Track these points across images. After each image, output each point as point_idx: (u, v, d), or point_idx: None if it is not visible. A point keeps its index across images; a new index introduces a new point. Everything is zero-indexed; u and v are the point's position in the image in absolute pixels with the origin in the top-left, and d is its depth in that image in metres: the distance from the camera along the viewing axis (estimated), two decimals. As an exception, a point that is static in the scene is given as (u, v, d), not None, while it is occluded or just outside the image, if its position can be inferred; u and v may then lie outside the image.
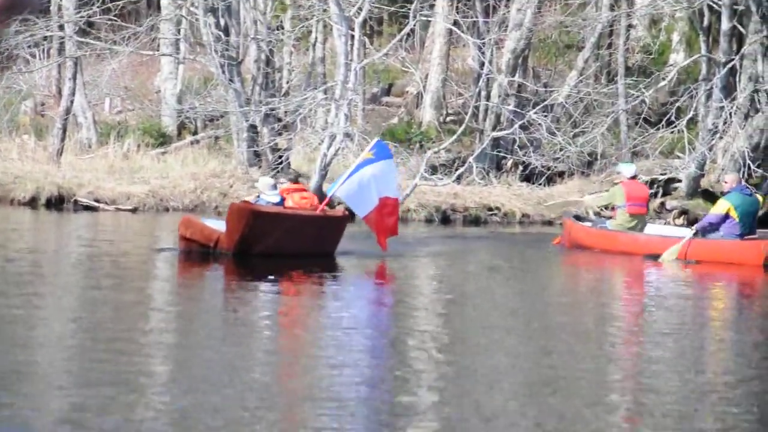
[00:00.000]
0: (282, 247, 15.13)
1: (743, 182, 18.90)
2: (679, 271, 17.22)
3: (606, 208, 20.18)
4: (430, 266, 17.38)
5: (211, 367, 8.29)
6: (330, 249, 16.04)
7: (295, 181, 16.75)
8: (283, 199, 15.78)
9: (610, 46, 33.47)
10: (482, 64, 28.16)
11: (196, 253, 15.04)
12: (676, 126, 27.55)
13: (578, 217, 20.96)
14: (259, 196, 15.78)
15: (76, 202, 24.93)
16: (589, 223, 19.75)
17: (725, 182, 18.76)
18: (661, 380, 8.53)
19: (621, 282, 16.88)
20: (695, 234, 17.96)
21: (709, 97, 27.76)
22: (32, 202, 24.83)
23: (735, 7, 27.74)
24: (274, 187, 15.88)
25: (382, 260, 17.09)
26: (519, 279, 16.30)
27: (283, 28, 30.84)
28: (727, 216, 17.87)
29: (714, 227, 18.09)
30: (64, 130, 28.14)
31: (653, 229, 19.11)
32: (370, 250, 18.17)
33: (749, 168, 26.84)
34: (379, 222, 16.05)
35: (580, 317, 12.24)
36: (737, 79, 28.01)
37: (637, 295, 15.11)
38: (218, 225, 15.29)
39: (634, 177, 19.56)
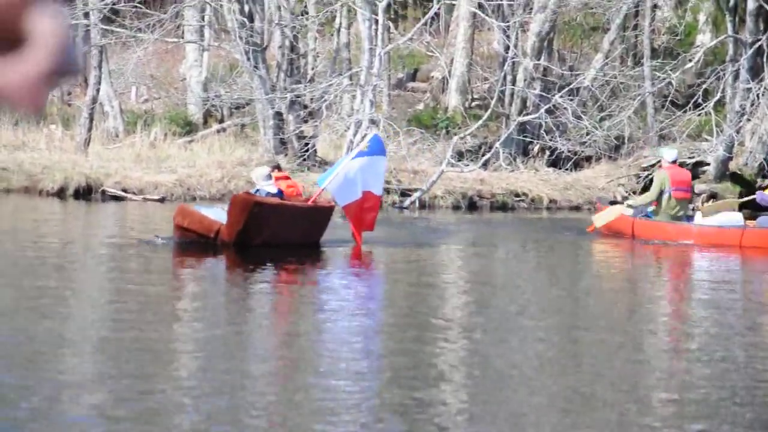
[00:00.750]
0: (279, 237, 15.29)
1: None
2: (732, 259, 16.84)
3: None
4: (458, 253, 17.36)
5: (231, 352, 8.32)
6: (317, 239, 16.15)
7: (278, 168, 16.69)
8: (281, 191, 15.81)
9: (635, 27, 33.29)
10: (507, 48, 28.07)
11: (195, 243, 14.92)
12: (703, 108, 27.41)
13: (615, 203, 20.49)
14: (258, 189, 15.72)
15: (104, 192, 25.02)
16: (629, 211, 19.21)
17: None
18: (692, 372, 8.51)
19: (660, 269, 16.55)
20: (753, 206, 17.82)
21: (736, 78, 27.60)
22: (60, 193, 24.93)
23: (762, -14, 27.58)
24: (269, 177, 15.84)
25: (410, 248, 17.10)
26: (550, 266, 16.24)
27: (307, 14, 30.82)
28: None
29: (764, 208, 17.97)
30: (91, 120, 28.22)
31: (706, 218, 18.67)
32: (394, 239, 18.19)
33: (777, 150, 26.72)
34: (357, 215, 16.08)
35: (617, 305, 12.18)
36: (764, 60, 27.83)
37: (677, 283, 14.79)
38: (213, 213, 15.29)
39: (674, 161, 19.15)
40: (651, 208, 18.83)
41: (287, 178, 16.69)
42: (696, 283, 14.71)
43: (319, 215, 16.23)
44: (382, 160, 16.54)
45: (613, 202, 20.63)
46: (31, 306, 10.77)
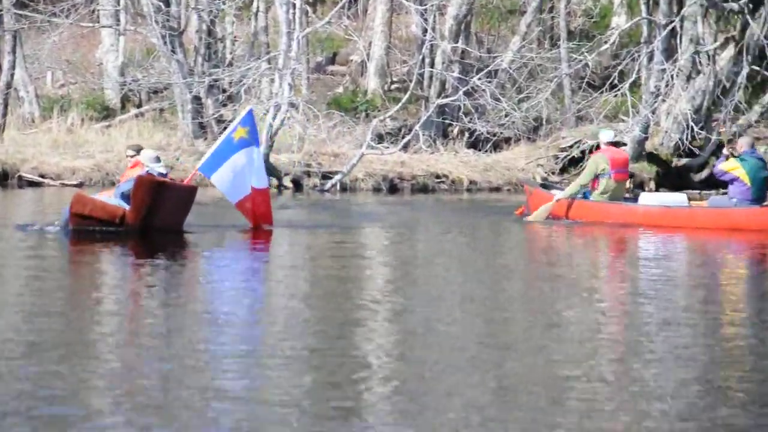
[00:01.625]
0: (169, 219, 15.16)
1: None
2: (681, 239, 16.38)
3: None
4: (379, 235, 17.41)
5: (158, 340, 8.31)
6: (184, 221, 15.98)
7: (140, 153, 15.90)
8: (166, 173, 15.56)
9: (551, 10, 33.58)
10: (425, 31, 28.18)
11: (90, 230, 14.52)
12: (619, 89, 27.73)
13: (545, 186, 20.08)
14: (148, 170, 15.28)
15: (20, 177, 24.77)
16: (560, 192, 18.81)
17: (738, 145, 18.00)
18: (616, 351, 8.64)
19: (594, 250, 16.04)
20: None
21: (650, 59, 27.96)
22: (-25, 179, 24.66)
23: (674, -32, 27.95)
24: (158, 159, 15.59)
25: (330, 231, 17.13)
26: (476, 249, 16.31)
27: (224, -3, 30.64)
28: (736, 178, 17.33)
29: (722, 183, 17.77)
30: (6, 105, 27.90)
31: (649, 197, 18.40)
32: (314, 221, 18.19)
33: (692, 130, 27.10)
34: (254, 210, 15.83)
35: (548, 287, 12.26)
36: (678, 41, 28.22)
37: (610, 263, 14.34)
38: (108, 200, 14.97)
39: (612, 143, 18.78)
40: (587, 190, 18.42)
41: None
42: (632, 263, 14.26)
43: (192, 196, 15.99)
44: (259, 152, 16.33)
45: (544, 185, 20.13)
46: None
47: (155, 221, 14.89)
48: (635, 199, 18.60)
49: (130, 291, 11.33)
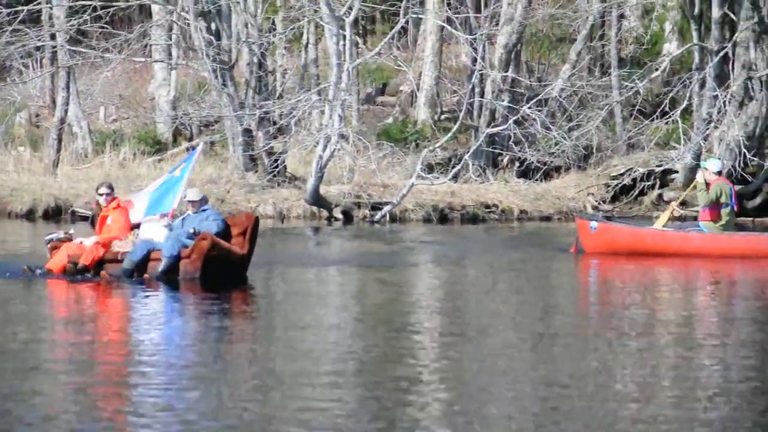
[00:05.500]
0: None
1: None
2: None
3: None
4: (431, 269, 17.33)
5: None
6: None
7: (112, 189, 14.69)
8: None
9: (602, 37, 33.45)
10: (475, 60, 28.15)
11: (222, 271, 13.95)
12: (670, 116, 27.57)
13: (609, 218, 18.84)
14: (206, 209, 14.43)
15: (73, 213, 24.95)
16: (665, 226, 17.59)
17: None
18: (663, 391, 8.56)
19: (650, 286, 14.89)
20: None
21: (702, 86, 27.78)
22: (29, 215, 24.89)
23: (725, -6, 27.78)
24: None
25: (382, 262, 17.09)
26: (543, 283, 16.19)
27: (274, 30, 30.80)
28: None
29: None
30: (60, 141, 28.16)
31: None
32: (366, 253, 18.13)
33: (745, 156, 26.85)
34: None
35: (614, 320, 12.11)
36: (730, 67, 28.01)
37: (673, 301, 13.25)
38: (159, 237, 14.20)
39: (720, 172, 17.70)
40: (703, 223, 17.35)
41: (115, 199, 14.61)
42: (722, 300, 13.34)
43: None
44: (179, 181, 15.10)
45: (609, 218, 19.15)
46: None
47: None
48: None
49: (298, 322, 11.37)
